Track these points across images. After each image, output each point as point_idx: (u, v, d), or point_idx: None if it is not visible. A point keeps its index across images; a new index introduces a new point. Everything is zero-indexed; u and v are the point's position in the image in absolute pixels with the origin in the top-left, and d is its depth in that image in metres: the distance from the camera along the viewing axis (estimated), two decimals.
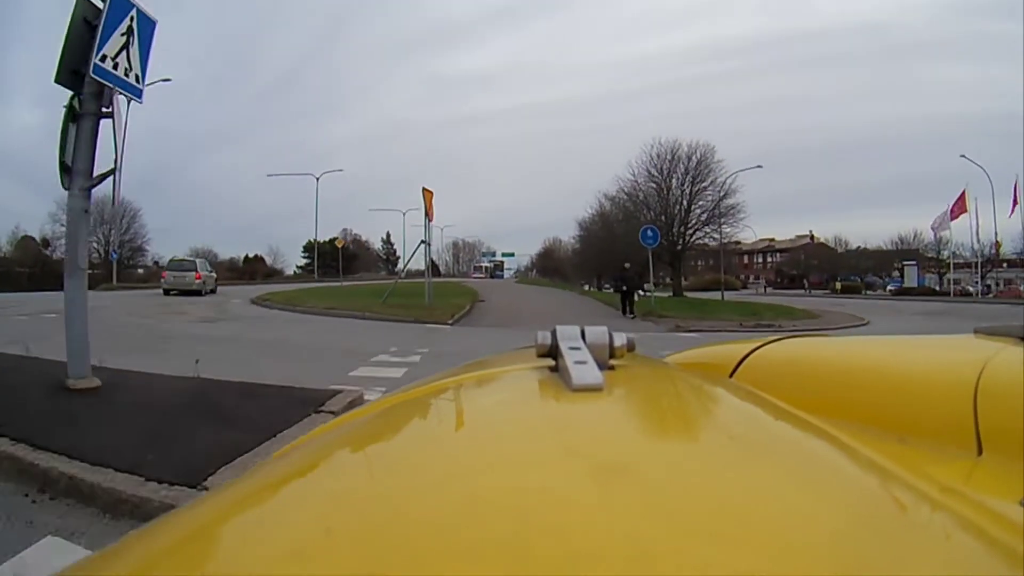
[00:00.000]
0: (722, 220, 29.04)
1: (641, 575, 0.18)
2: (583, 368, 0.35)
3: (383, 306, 13.02)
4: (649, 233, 16.14)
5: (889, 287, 43.20)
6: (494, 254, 70.85)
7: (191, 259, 20.98)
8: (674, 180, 31.31)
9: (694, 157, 31.35)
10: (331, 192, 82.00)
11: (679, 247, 29.56)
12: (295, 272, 50.51)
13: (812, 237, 55.07)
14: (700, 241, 30.94)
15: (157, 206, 66.23)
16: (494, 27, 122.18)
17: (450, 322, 11.86)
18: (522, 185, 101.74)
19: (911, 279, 40.24)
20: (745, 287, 49.18)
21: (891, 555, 0.21)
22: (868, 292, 41.88)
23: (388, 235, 63.01)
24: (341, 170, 46.58)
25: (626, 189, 33.47)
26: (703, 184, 30.61)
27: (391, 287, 14.95)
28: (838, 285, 44.50)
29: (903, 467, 0.33)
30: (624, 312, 14.10)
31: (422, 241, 14.89)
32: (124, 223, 40.54)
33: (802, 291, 43.38)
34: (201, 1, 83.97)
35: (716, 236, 30.01)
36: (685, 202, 30.21)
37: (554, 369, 0.39)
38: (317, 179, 37.85)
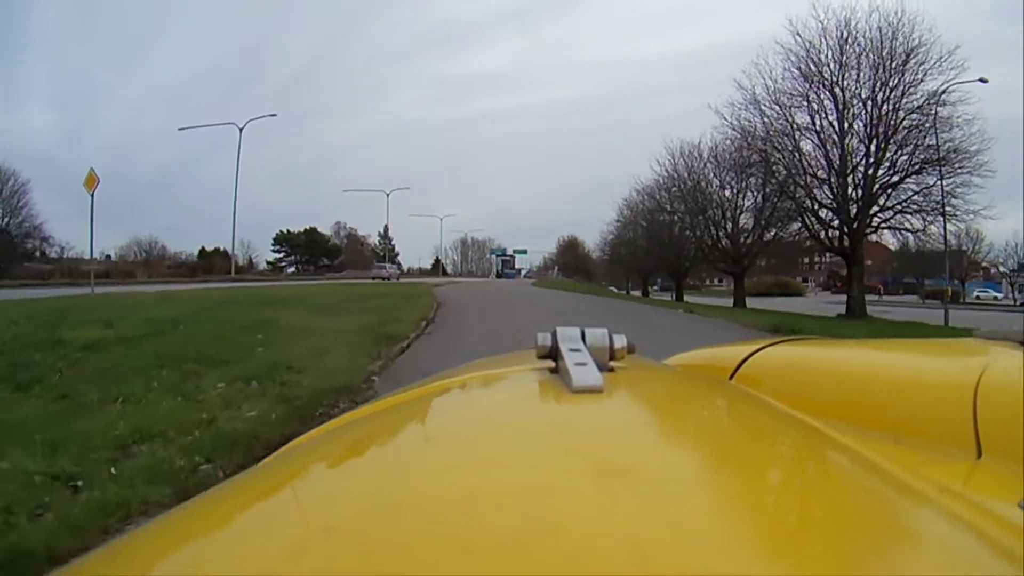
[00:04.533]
0: (946, 169, 12.88)
1: (640, 575, 0.18)
2: (583, 369, 0.35)
3: None
4: None
5: (977, 293, 35.92)
6: (504, 251, 61.18)
7: (384, 263, 37.67)
8: (846, 90, 13.98)
9: (894, 43, 13.42)
10: (331, 189, 79.63)
11: (857, 224, 14.12)
12: (267, 267, 42.38)
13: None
14: (895, 216, 14.15)
15: (167, 205, 63.63)
16: (502, 29, 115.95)
17: None
18: (534, 183, 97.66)
19: None
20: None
21: (891, 555, 0.21)
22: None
23: (386, 228, 55.46)
24: (274, 115, 39.61)
25: (750, 105, 15.35)
26: (905, 100, 13.41)
27: None
28: (949, 291, 36.12)
29: (903, 469, 0.34)
30: None
31: None
32: (12, 202, 30.17)
33: (876, 297, 35.20)
34: (209, 3, 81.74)
35: (913, 212, 13.72)
36: (878, 136, 13.67)
37: (554, 370, 0.40)
38: (240, 129, 32.15)
